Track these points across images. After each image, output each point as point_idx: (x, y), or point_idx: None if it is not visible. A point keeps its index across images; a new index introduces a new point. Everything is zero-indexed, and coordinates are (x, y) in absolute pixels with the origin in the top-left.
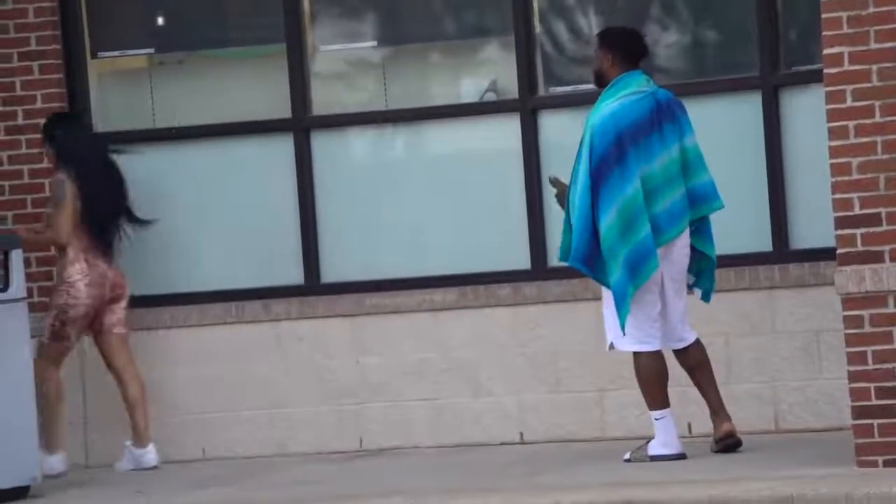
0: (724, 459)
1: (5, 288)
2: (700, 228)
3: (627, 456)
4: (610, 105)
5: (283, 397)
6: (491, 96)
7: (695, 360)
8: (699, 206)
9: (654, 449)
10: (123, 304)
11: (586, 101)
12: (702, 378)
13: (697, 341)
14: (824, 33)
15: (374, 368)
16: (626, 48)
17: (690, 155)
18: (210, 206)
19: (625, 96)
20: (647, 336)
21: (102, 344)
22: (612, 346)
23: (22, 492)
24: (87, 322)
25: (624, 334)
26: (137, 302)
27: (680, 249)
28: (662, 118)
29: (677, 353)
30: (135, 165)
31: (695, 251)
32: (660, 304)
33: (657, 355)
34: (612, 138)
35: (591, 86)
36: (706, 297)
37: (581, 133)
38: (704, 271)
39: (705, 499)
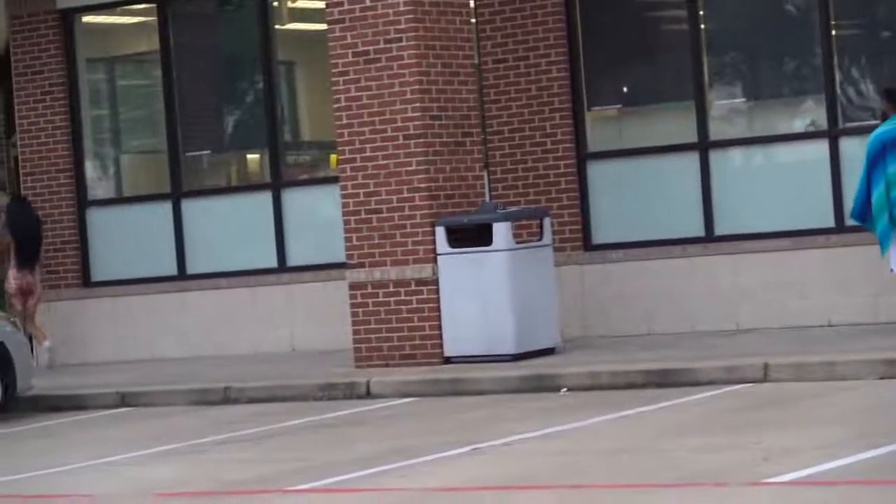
0: None
1: (540, 239)
2: None
3: None
4: (883, 127)
5: (687, 298)
6: (811, 128)
7: None
8: None
9: None
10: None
11: (865, 131)
12: None
13: None
14: None
15: (746, 282)
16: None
17: None
18: (654, 192)
19: (892, 123)
20: None
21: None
22: (892, 270)
23: (550, 351)
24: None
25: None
26: (606, 246)
27: None
28: None
29: None
30: (611, 171)
31: None
32: None
33: None
34: (878, 144)
35: (867, 122)
36: None
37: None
38: None
39: None
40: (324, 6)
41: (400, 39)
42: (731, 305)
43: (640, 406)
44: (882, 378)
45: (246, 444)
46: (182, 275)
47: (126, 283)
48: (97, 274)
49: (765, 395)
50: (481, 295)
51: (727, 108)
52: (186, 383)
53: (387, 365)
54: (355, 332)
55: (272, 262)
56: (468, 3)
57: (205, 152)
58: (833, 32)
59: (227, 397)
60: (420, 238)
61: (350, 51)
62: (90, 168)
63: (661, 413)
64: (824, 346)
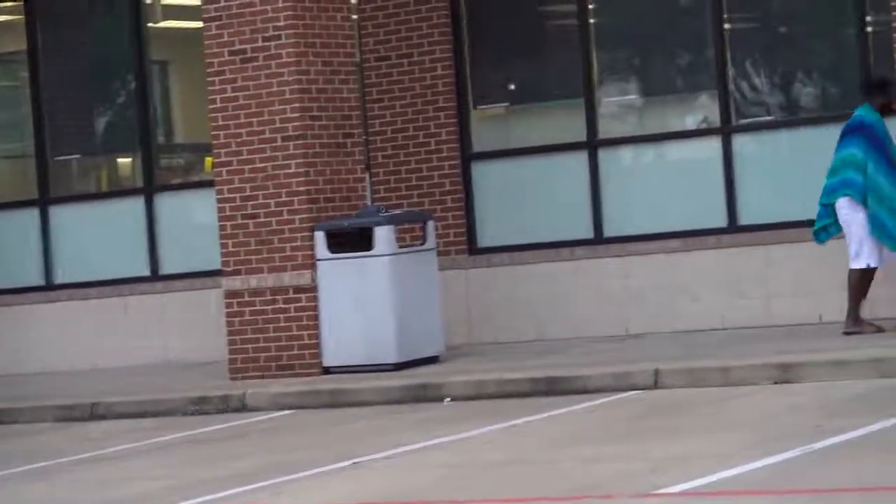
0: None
1: (423, 243)
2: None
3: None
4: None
5: (576, 302)
6: (704, 125)
7: None
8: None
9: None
10: None
11: (759, 128)
12: None
13: None
14: None
15: (636, 285)
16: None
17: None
18: (541, 193)
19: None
20: (871, 259)
21: None
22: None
23: (434, 359)
24: None
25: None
26: (491, 249)
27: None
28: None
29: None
30: (497, 172)
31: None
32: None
33: (871, 271)
34: (844, 127)
35: (761, 118)
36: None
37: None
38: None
39: (863, 357)
40: (199, 3)
41: (279, 37)
42: (620, 309)
43: (528, 415)
44: (776, 383)
45: (115, 462)
46: (50, 285)
47: None
48: None
49: (655, 403)
50: (362, 302)
51: (617, 106)
52: (53, 399)
53: (263, 377)
54: (231, 343)
55: (144, 271)
56: None
57: (74, 156)
58: (726, 27)
59: (94, 413)
60: (299, 243)
61: (226, 49)
62: None
63: (548, 422)
64: (717, 350)
